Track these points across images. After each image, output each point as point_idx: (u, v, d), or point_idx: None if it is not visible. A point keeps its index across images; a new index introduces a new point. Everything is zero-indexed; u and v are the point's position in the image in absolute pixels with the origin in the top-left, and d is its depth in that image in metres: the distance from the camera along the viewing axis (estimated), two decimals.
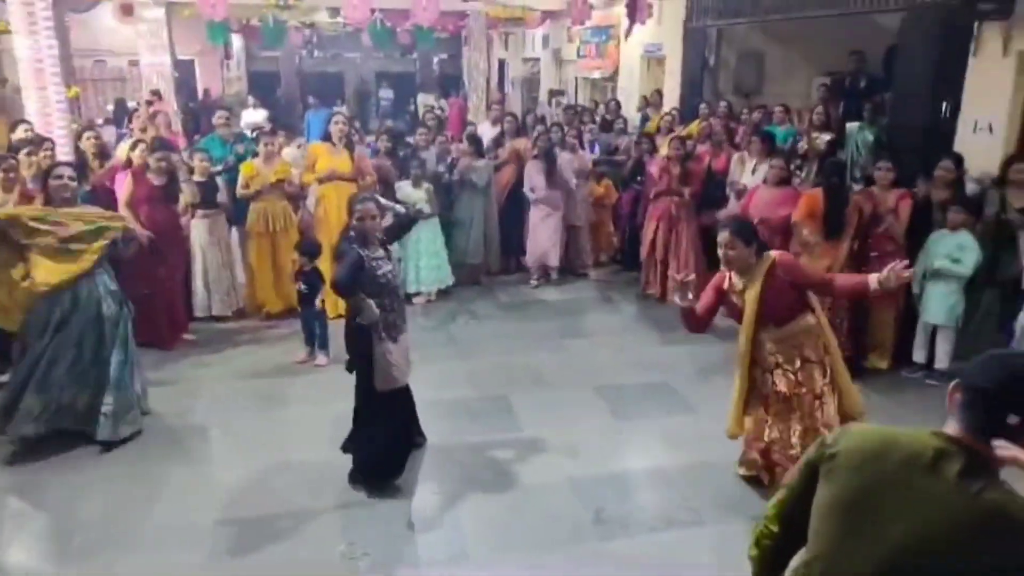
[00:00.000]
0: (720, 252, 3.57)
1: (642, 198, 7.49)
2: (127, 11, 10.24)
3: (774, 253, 3.57)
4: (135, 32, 13.20)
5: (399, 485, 3.94)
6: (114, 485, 3.98)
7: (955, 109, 5.99)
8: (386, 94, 21.02)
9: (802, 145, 7.12)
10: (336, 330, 4.92)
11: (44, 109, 7.92)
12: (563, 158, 7.44)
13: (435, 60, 23.96)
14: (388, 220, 4.15)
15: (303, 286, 5.54)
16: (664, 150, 7.25)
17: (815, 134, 7.21)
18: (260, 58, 22.52)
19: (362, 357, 3.84)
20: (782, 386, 3.65)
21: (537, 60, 17.02)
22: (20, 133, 6.43)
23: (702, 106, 8.75)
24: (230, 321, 6.43)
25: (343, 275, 3.69)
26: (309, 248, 5.67)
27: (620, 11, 11.31)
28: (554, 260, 7.57)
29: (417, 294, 6.93)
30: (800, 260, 5.44)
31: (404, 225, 4.28)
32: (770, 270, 3.49)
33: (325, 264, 6.15)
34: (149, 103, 10.06)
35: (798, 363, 3.62)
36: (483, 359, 5.70)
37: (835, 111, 7.82)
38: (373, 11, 14.00)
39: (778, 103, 8.12)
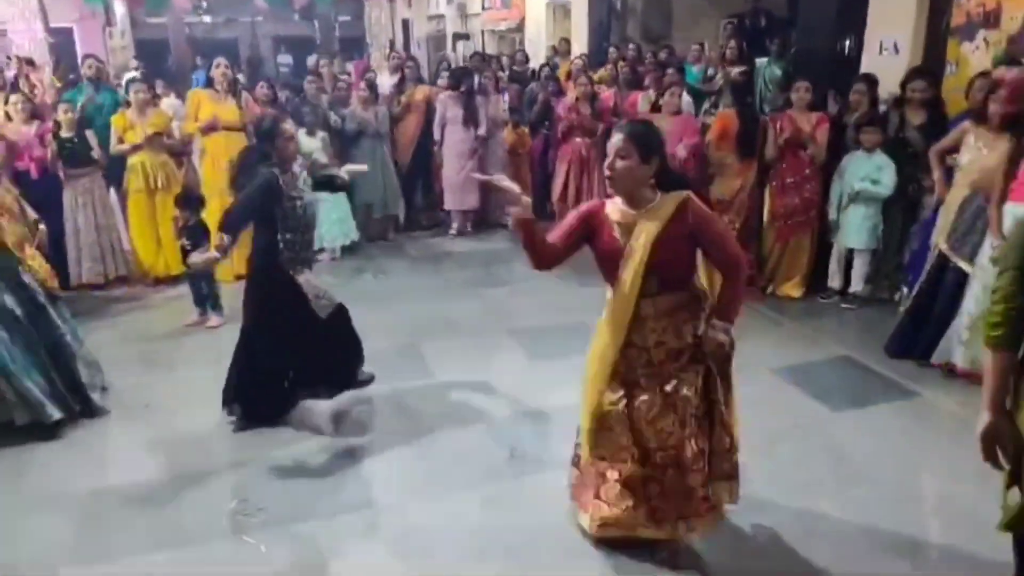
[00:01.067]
0: (606, 163, 2.54)
1: (552, 142, 7.26)
2: None
3: (686, 193, 2.55)
4: None
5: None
6: None
7: (860, 33, 5.97)
8: (284, 59, 20.04)
9: (718, 79, 7.02)
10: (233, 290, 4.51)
11: None
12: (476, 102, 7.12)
13: (336, 22, 23.00)
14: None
15: (186, 242, 5.02)
16: (572, 92, 7.03)
17: (729, 68, 7.14)
18: (147, 25, 21.08)
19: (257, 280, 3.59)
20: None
21: (442, 17, 16.51)
22: None
23: (611, 50, 8.56)
24: (112, 288, 5.87)
25: (248, 196, 3.35)
26: (189, 201, 5.16)
27: None
28: (473, 202, 7.24)
29: (320, 251, 6.50)
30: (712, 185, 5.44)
31: (332, 183, 4.00)
32: (678, 213, 2.50)
33: (212, 220, 5.70)
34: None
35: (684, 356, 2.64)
36: (393, 311, 5.37)
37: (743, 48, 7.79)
38: None
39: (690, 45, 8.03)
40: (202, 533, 2.97)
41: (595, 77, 7.81)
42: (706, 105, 6.54)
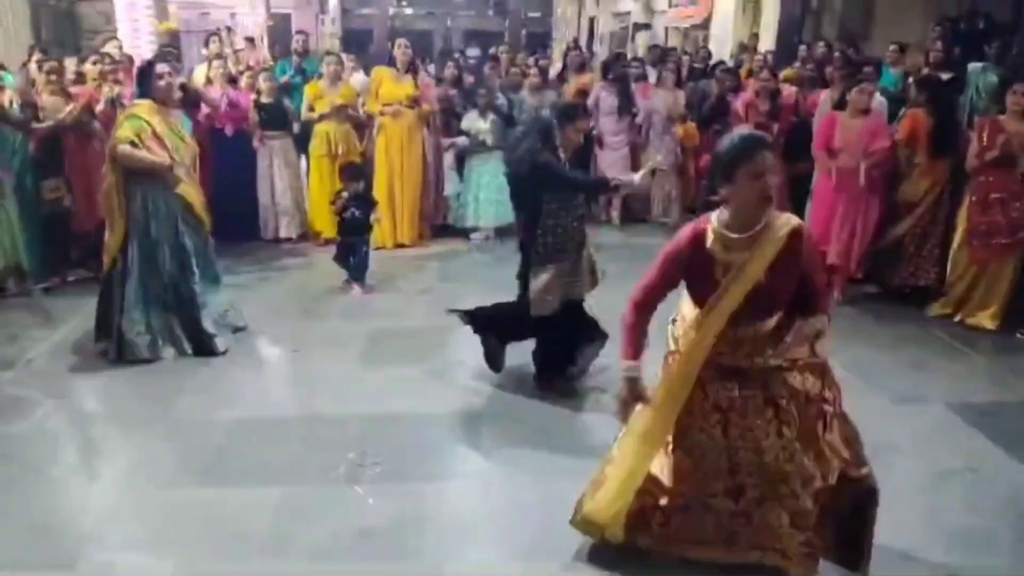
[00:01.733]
0: (757, 182, 2.18)
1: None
2: None
3: (796, 220, 2.30)
4: None
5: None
6: (147, 375, 3.97)
7: None
8: (472, 52, 20.71)
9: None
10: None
11: (134, 41, 8.12)
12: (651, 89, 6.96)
13: (525, 18, 23.51)
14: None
15: (356, 211, 5.12)
16: (751, 87, 6.64)
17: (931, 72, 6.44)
18: (355, 15, 22.76)
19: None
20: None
21: (627, 14, 16.34)
22: (108, 47, 6.53)
23: (801, 48, 8.03)
24: (292, 243, 6.36)
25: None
26: (355, 172, 5.38)
27: None
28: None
29: (475, 229, 6.64)
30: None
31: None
32: (792, 240, 2.24)
33: (381, 192, 6.02)
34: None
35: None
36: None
37: (953, 52, 7.00)
38: None
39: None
40: (317, 476, 3.11)
41: (782, 76, 7.35)
42: (902, 112, 5.93)
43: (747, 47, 9.83)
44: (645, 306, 2.43)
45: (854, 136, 5.07)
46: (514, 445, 3.37)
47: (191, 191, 4.10)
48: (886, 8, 9.10)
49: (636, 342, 2.42)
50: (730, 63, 9.61)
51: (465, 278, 5.63)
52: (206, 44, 7.33)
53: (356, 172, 5.35)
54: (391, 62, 6.39)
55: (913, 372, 4.25)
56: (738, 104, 6.56)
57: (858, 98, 5.13)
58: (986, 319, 4.82)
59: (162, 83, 4.01)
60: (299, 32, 8.13)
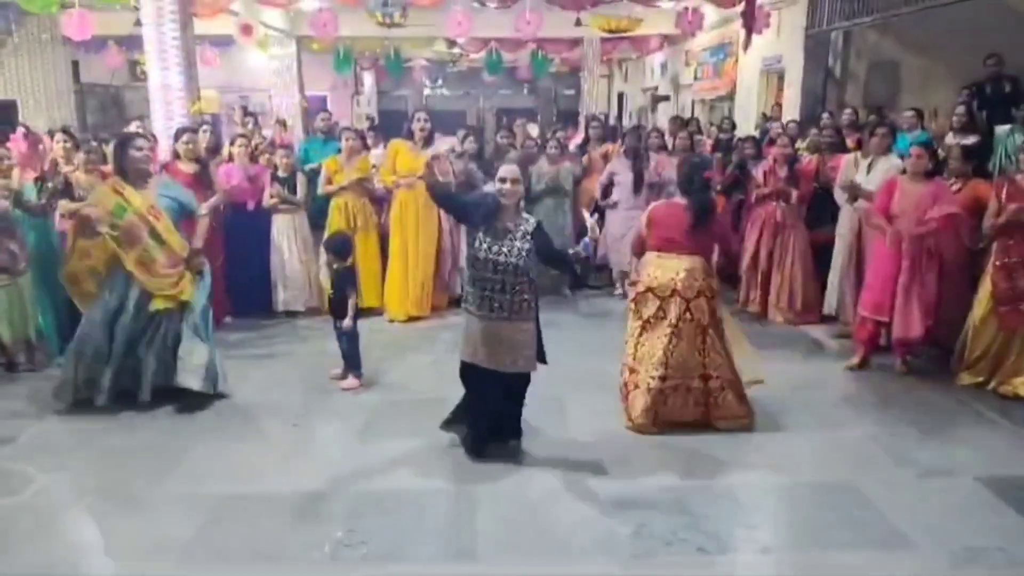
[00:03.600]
0: None
1: (744, 206, 6.83)
2: (246, 31, 10.87)
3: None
4: (270, 69, 14.30)
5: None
6: (142, 449, 3.92)
7: None
8: (504, 135, 21.27)
9: (940, 153, 6.21)
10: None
11: (168, 123, 8.39)
12: (668, 162, 6.93)
13: (555, 97, 24.07)
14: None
15: (330, 289, 4.79)
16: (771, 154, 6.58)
17: (954, 138, 6.32)
18: (390, 96, 23.55)
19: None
20: None
21: (655, 89, 16.59)
22: (132, 127, 6.80)
23: (824, 115, 7.96)
24: (303, 317, 6.35)
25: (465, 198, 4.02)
26: (337, 245, 4.83)
27: (738, 28, 10.74)
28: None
29: None
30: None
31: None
32: None
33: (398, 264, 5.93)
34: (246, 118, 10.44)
35: None
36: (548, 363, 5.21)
37: (979, 116, 6.87)
38: (488, 41, 14.28)
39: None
40: (300, 554, 2.97)
41: (801, 145, 7.29)
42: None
43: (771, 117, 9.85)
44: None
45: (912, 202, 4.87)
46: (510, 526, 3.20)
47: (145, 272, 4.27)
48: (912, 76, 9.04)
49: None
50: (755, 133, 9.65)
51: None
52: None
53: (343, 246, 4.83)
54: (409, 135, 6.47)
55: (941, 443, 4.01)
56: (758, 172, 6.50)
57: (916, 163, 4.92)
58: (1021, 386, 4.55)
59: (136, 155, 4.30)
60: (322, 111, 8.36)
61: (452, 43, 14.83)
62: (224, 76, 15.34)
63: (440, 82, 24.24)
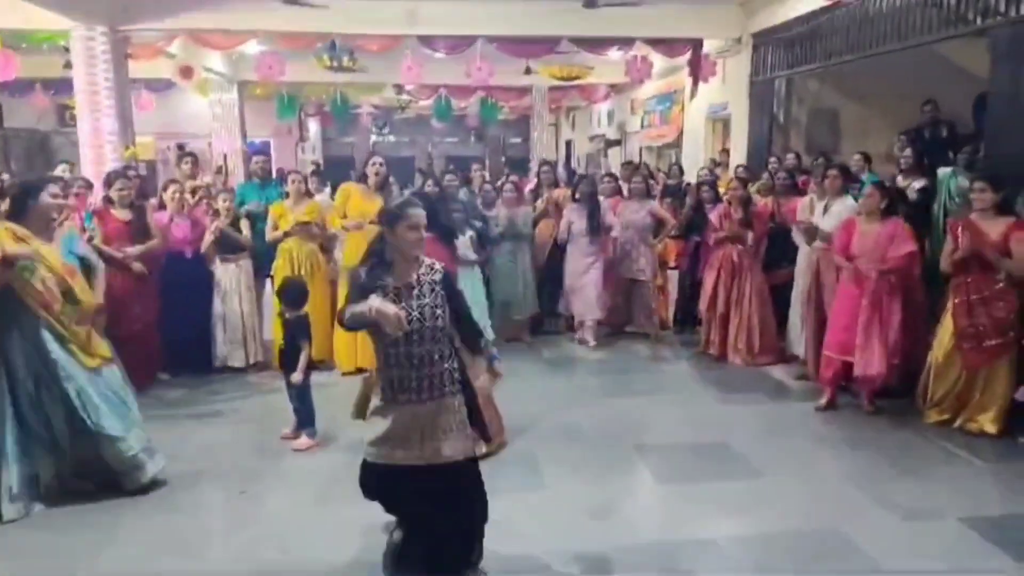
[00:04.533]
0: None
1: (702, 249, 6.81)
2: (186, 73, 10.57)
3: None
4: (211, 114, 13.95)
5: None
6: (75, 527, 3.50)
7: None
8: (450, 178, 21.22)
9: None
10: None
11: (98, 168, 7.98)
12: (628, 206, 6.91)
13: (504, 145, 24.29)
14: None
15: (281, 340, 4.50)
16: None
17: (904, 180, 6.46)
18: (336, 143, 23.36)
19: None
20: None
21: (602, 136, 16.84)
22: (58, 170, 6.40)
23: (771, 160, 8.11)
24: (248, 373, 5.98)
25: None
26: (291, 292, 4.59)
27: (684, 76, 10.98)
28: (597, 313, 6.84)
29: None
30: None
31: None
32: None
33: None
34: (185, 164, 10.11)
35: None
36: (516, 413, 4.94)
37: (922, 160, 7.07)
38: (437, 88, 14.29)
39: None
40: None
41: (753, 188, 7.36)
42: None
43: (719, 162, 10.02)
44: None
45: (871, 241, 4.89)
46: None
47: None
48: (851, 122, 9.33)
49: None
50: (707, 177, 9.78)
51: None
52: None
53: (297, 294, 4.59)
54: (363, 179, 6.26)
55: (917, 483, 3.95)
56: (713, 215, 6.50)
57: (868, 203, 4.97)
58: (987, 423, 4.56)
59: (49, 202, 3.74)
60: (257, 154, 8.07)
61: (400, 88, 14.78)
62: (161, 121, 14.90)
63: (387, 129, 24.20)
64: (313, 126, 20.88)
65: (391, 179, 6.47)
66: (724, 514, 3.64)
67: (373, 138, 24.02)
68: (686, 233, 7.16)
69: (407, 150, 24.64)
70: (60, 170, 6.52)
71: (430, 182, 7.11)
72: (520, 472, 4.06)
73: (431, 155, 24.65)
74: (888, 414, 4.94)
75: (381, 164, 6.24)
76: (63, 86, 9.91)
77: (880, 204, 4.95)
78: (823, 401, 5.10)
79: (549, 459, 4.25)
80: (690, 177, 9.58)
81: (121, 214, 5.48)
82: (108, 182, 5.68)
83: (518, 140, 24.10)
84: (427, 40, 9.16)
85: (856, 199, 5.53)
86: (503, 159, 23.44)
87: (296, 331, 4.50)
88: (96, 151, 8.05)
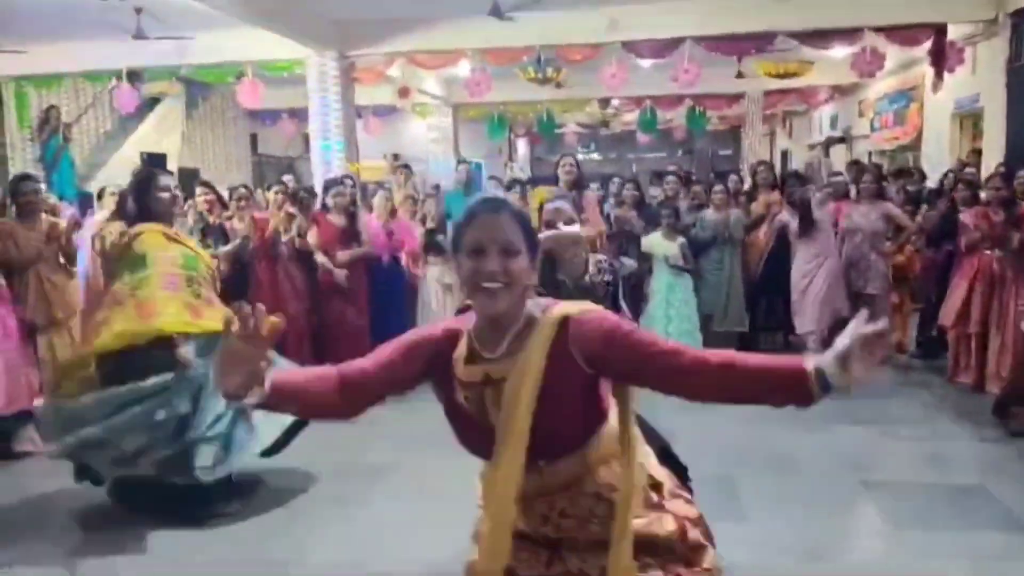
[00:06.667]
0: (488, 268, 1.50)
1: (954, 260, 5.81)
2: (403, 93, 11.31)
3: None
4: (428, 138, 14.91)
5: None
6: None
7: None
8: (655, 191, 20.78)
9: None
10: None
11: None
12: (856, 209, 6.17)
13: (711, 157, 23.34)
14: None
15: None
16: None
17: None
18: (545, 163, 23.81)
19: None
20: None
21: (823, 143, 15.48)
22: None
23: None
24: None
25: None
26: None
27: (922, 70, 9.71)
28: (825, 321, 5.89)
29: None
30: None
31: None
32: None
33: None
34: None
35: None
36: (716, 433, 4.47)
37: None
38: (643, 100, 13.97)
39: None
40: None
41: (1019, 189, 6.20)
42: None
43: (967, 163, 8.67)
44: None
45: None
46: None
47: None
48: None
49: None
50: (967, 174, 8.50)
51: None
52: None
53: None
54: (556, 182, 6.15)
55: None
56: (967, 217, 5.52)
57: None
58: None
59: (162, 196, 3.60)
60: (461, 162, 8.35)
61: (606, 103, 14.66)
62: (386, 145, 16.07)
63: (592, 147, 24.29)
64: (522, 147, 21.49)
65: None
66: (978, 571, 2.96)
67: (579, 156, 24.22)
68: (936, 241, 6.15)
69: (611, 166, 24.51)
70: (284, 178, 7.18)
71: (629, 185, 6.84)
72: (719, 501, 3.58)
73: (635, 172, 24.35)
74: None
75: (572, 164, 6.08)
76: (305, 115, 11.00)
77: None
78: None
79: (750, 487, 3.74)
80: (932, 182, 8.40)
81: (337, 219, 5.78)
82: (325, 188, 6.08)
83: (728, 152, 23.05)
84: (631, 46, 8.92)
85: None
86: (711, 173, 22.47)
87: None
88: (325, 167, 8.86)
